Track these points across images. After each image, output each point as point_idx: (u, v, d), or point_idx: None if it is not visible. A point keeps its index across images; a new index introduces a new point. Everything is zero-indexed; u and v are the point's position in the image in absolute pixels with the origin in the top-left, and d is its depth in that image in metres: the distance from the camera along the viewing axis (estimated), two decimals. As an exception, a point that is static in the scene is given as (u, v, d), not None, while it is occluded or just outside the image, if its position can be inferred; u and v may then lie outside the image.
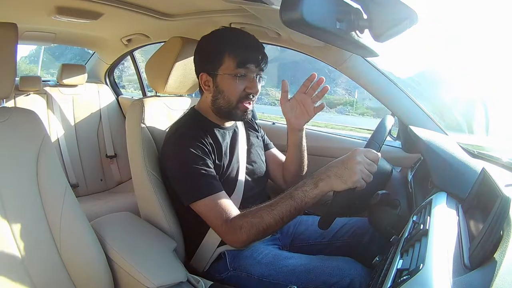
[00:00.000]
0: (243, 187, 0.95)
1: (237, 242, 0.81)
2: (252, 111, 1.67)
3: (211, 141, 0.90)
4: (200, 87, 0.97)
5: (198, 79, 0.94)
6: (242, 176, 0.96)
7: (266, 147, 1.14)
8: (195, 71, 0.96)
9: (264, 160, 1.09)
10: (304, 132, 1.01)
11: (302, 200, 0.74)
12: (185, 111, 1.09)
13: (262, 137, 1.15)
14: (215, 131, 0.94)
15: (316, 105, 0.94)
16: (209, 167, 0.86)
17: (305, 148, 1.04)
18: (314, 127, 1.82)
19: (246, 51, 0.89)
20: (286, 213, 0.75)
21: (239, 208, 0.86)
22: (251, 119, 1.15)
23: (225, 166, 0.92)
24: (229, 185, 0.91)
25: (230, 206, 0.84)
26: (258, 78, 0.92)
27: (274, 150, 1.15)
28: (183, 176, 0.86)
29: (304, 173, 1.06)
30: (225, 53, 0.88)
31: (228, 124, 0.99)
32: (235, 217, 0.81)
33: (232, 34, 0.93)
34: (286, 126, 1.61)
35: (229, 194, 0.89)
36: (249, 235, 0.78)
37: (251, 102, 0.93)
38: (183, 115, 1.00)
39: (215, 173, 0.86)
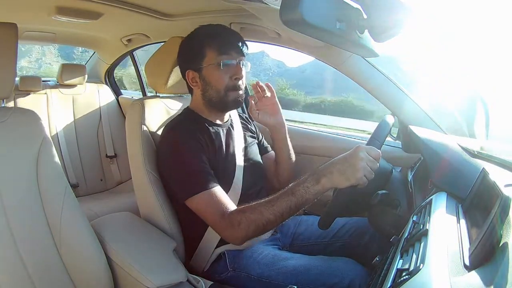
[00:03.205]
0: (241, 184, 0.95)
1: (235, 238, 0.80)
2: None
3: (206, 138, 0.90)
4: (188, 86, 0.99)
5: (185, 78, 0.96)
6: (239, 173, 0.96)
7: (265, 150, 1.15)
8: (181, 72, 0.99)
9: (261, 159, 1.09)
10: (286, 128, 1.07)
11: (303, 197, 0.73)
12: None
13: (260, 140, 1.15)
14: (209, 127, 0.95)
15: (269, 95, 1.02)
16: (204, 163, 0.86)
17: (290, 146, 1.10)
18: (315, 126, 1.81)
19: (224, 39, 0.92)
20: (286, 209, 0.74)
21: (238, 206, 0.86)
22: (249, 120, 1.15)
23: (220, 163, 0.92)
24: (226, 182, 0.91)
25: (227, 201, 0.83)
26: (241, 64, 0.93)
27: (272, 154, 1.16)
28: (178, 172, 0.87)
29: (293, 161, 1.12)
30: (205, 46, 0.91)
31: (222, 121, 1.00)
32: (233, 212, 0.81)
33: (208, 28, 0.96)
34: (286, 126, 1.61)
35: (227, 191, 0.89)
36: (247, 231, 0.77)
37: (239, 89, 0.94)
38: (177, 114, 1.01)
39: (210, 169, 0.86)
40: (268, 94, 1.02)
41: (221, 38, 0.92)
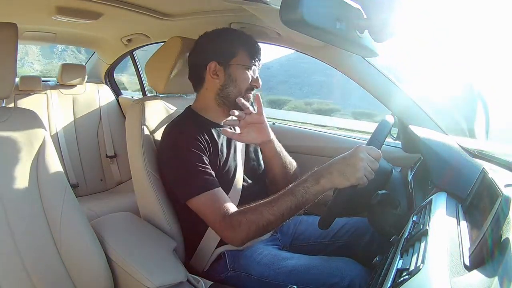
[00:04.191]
0: (242, 185, 0.95)
1: (236, 239, 0.80)
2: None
3: (207, 138, 0.90)
4: (197, 80, 0.98)
5: (204, 69, 0.94)
6: (240, 174, 0.96)
7: None
8: (195, 64, 0.97)
9: (261, 160, 1.09)
10: (275, 141, 1.00)
11: (303, 197, 0.73)
12: None
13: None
14: (211, 129, 0.94)
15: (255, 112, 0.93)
16: (205, 164, 0.86)
17: (284, 154, 1.04)
18: (315, 127, 1.82)
19: (255, 48, 0.96)
20: (286, 210, 0.74)
21: (238, 206, 0.86)
22: None
23: (222, 164, 0.92)
24: (226, 183, 0.91)
25: (228, 203, 0.83)
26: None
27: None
28: (179, 173, 0.87)
29: (292, 172, 1.05)
30: (240, 46, 0.94)
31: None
32: (234, 213, 0.81)
33: (242, 33, 1.00)
34: (286, 126, 1.62)
35: (227, 191, 0.89)
36: (248, 232, 0.77)
37: (252, 95, 0.97)
38: (179, 114, 1.01)
39: (211, 170, 0.86)
40: (254, 109, 0.94)
41: (252, 44, 0.96)
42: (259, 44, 0.99)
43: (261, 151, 1.04)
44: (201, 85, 0.98)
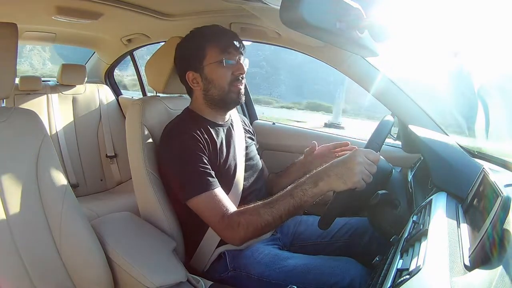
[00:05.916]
0: (242, 183, 0.96)
1: (234, 239, 0.81)
2: (253, 111, 1.68)
3: (206, 137, 0.90)
4: (187, 88, 1.00)
5: (185, 80, 0.96)
6: (240, 173, 0.96)
7: None
8: (179, 75, 0.99)
9: (259, 158, 1.09)
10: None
11: (301, 199, 0.74)
12: None
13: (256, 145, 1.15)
14: (209, 128, 0.95)
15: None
16: (205, 164, 0.86)
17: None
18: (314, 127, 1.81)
19: (224, 38, 0.94)
20: (284, 211, 0.75)
21: (239, 205, 0.86)
22: (247, 123, 1.15)
23: (221, 162, 0.92)
24: (227, 182, 0.91)
25: (227, 203, 0.84)
26: (241, 61, 0.95)
27: (262, 161, 1.16)
28: (178, 173, 0.87)
29: None
30: (206, 45, 0.93)
31: (223, 121, 1.00)
32: (233, 213, 0.81)
33: (205, 29, 0.98)
34: (286, 126, 1.62)
35: (228, 190, 0.89)
36: (246, 232, 0.78)
37: (242, 84, 0.96)
38: (177, 115, 1.01)
39: (211, 170, 0.87)
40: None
41: (219, 36, 0.94)
42: (229, 31, 0.96)
43: (296, 166, 1.11)
44: (191, 93, 1.01)
